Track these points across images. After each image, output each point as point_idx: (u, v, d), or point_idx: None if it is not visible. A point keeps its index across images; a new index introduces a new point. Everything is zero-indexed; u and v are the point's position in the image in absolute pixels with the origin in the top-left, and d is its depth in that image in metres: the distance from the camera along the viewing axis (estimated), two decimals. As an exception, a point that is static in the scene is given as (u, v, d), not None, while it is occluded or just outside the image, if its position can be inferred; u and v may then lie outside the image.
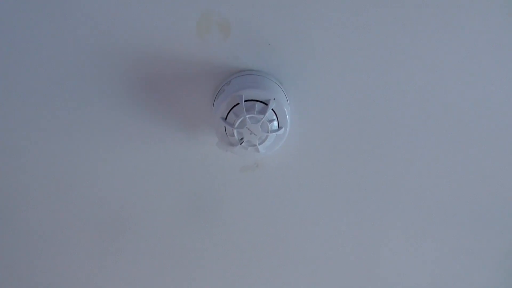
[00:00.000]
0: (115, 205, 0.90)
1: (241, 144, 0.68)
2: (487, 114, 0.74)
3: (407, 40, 0.66)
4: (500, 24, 0.65)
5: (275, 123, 0.67)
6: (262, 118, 0.65)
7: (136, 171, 0.84)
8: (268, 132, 0.67)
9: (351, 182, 0.84)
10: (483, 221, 0.89)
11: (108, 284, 1.04)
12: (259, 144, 0.68)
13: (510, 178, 0.82)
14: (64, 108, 0.75)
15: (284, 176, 0.84)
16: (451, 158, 0.80)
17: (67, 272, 1.01)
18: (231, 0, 0.63)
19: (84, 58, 0.69)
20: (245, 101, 0.65)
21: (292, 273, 1.01)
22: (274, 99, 0.65)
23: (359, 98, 0.73)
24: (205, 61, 0.69)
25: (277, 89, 0.68)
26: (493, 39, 0.66)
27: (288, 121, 0.68)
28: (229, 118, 0.67)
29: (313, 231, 0.93)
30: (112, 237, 0.95)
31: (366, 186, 0.85)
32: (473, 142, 0.78)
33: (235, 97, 0.65)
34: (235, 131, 0.67)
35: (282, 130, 0.68)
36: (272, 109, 0.66)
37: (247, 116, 0.65)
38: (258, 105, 0.66)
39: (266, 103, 0.66)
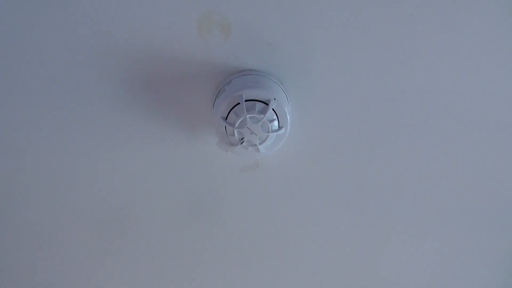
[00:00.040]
0: (115, 205, 0.90)
1: (241, 144, 0.68)
2: (487, 114, 0.74)
3: (407, 40, 0.66)
4: (500, 24, 0.65)
5: (276, 123, 0.67)
6: (262, 118, 0.65)
7: (136, 171, 0.84)
8: (268, 132, 0.67)
9: (351, 182, 0.84)
10: (483, 221, 0.89)
11: (108, 284, 1.04)
12: (260, 144, 0.68)
13: (510, 178, 0.83)
14: (64, 108, 0.75)
15: (285, 176, 0.84)
16: (451, 158, 0.80)
17: (67, 272, 1.01)
18: (232, 0, 0.63)
19: (84, 58, 0.69)
20: (245, 101, 0.65)
21: (292, 273, 1.01)
22: (274, 99, 0.65)
23: (359, 98, 0.73)
24: (206, 61, 0.69)
25: (277, 89, 0.68)
26: (493, 39, 0.66)
27: (289, 121, 0.68)
28: (229, 118, 0.67)
29: (313, 231, 0.93)
30: (112, 237, 0.95)
31: (366, 186, 0.85)
32: (473, 142, 0.78)
33: (235, 97, 0.65)
34: (235, 130, 0.67)
35: (282, 130, 0.68)
36: (273, 109, 0.66)
37: (247, 116, 0.65)
38: (259, 105, 0.66)
39: (267, 103, 0.66)
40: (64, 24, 0.66)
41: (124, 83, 0.72)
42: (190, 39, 0.67)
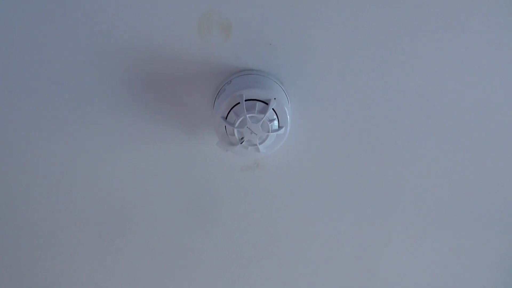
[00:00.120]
0: (115, 205, 0.90)
1: (241, 143, 0.68)
2: (487, 114, 0.74)
3: (407, 40, 0.67)
4: (500, 24, 0.65)
5: (276, 122, 0.67)
6: (262, 118, 0.65)
7: (136, 171, 0.84)
8: (268, 132, 0.67)
9: (351, 182, 0.84)
10: (483, 221, 0.89)
11: (108, 284, 1.04)
12: (260, 143, 0.68)
13: (510, 178, 0.83)
14: (64, 108, 0.75)
15: (285, 176, 0.84)
16: (451, 158, 0.80)
17: (67, 272, 1.01)
18: (232, 0, 0.63)
19: (84, 58, 0.69)
20: (245, 100, 0.65)
21: (292, 273, 1.01)
22: (274, 98, 0.65)
23: (359, 98, 0.73)
24: (206, 61, 0.69)
25: (277, 89, 0.68)
26: (493, 39, 0.66)
27: (289, 120, 0.68)
28: (229, 117, 0.67)
29: (313, 231, 0.93)
30: (112, 237, 0.95)
31: (366, 186, 0.85)
32: (473, 142, 0.78)
33: (235, 97, 0.65)
34: (235, 130, 0.67)
35: (282, 130, 0.68)
36: (273, 109, 0.66)
37: (247, 115, 0.65)
38: (259, 105, 0.66)
39: (267, 102, 0.66)
40: (64, 24, 0.66)
41: (124, 83, 0.72)
42: (190, 39, 0.67)
